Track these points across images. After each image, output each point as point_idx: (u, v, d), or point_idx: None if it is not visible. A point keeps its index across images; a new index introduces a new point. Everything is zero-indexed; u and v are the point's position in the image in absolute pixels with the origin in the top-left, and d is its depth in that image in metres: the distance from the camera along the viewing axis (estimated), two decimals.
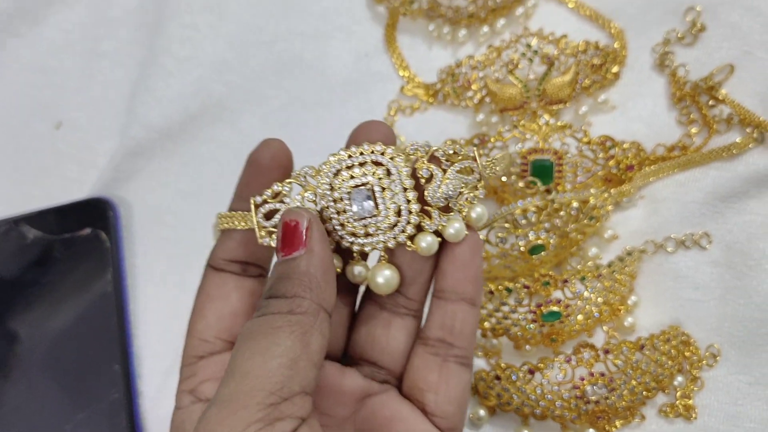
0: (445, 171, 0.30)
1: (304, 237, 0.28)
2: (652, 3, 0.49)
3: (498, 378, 0.40)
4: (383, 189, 0.30)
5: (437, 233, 0.31)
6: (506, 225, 0.41)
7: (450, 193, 0.30)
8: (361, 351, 0.33)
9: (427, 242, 0.30)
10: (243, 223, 0.31)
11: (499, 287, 0.40)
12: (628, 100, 0.48)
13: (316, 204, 0.30)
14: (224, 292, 0.32)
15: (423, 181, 0.30)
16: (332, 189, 0.30)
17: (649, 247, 0.44)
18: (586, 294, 0.40)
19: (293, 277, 0.28)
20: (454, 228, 0.30)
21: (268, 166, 0.31)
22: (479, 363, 0.43)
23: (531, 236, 0.42)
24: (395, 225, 0.30)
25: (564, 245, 0.43)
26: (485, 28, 0.50)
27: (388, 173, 0.30)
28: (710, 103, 0.46)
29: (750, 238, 0.43)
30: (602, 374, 0.39)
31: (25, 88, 0.55)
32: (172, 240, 0.50)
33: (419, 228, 0.30)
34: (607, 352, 0.40)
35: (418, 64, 0.51)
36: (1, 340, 0.46)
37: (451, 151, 0.30)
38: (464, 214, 0.31)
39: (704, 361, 0.42)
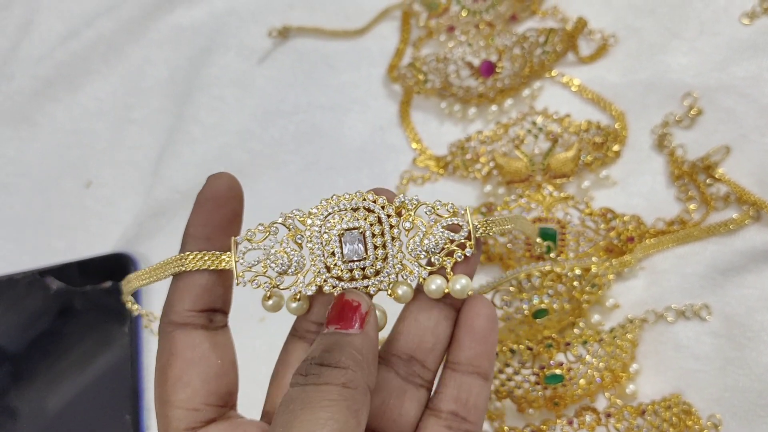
0: (430, 226, 0.30)
1: (362, 319, 0.28)
2: (651, 88, 0.52)
3: None
4: (373, 235, 0.30)
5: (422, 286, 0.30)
6: (511, 288, 0.43)
7: (431, 247, 0.30)
8: (370, 419, 0.31)
9: (403, 290, 0.30)
10: (217, 264, 0.29)
11: (503, 348, 0.42)
12: (629, 176, 0.50)
13: (301, 248, 0.30)
14: (202, 354, 0.29)
15: (406, 232, 0.30)
16: (321, 231, 0.30)
17: (650, 316, 0.45)
18: (588, 358, 0.41)
19: (347, 350, 0.27)
20: (436, 284, 0.30)
21: (227, 195, 0.30)
22: (483, 426, 0.44)
23: (535, 300, 0.43)
24: (380, 272, 0.30)
25: (568, 310, 0.44)
26: (494, 107, 0.53)
27: (379, 221, 0.30)
28: (708, 181, 0.48)
29: (749, 311, 0.44)
30: None
31: (58, 149, 0.58)
32: None
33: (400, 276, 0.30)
34: (608, 415, 0.40)
35: (430, 138, 0.54)
36: (24, 385, 0.48)
37: (439, 207, 0.30)
38: (448, 271, 0.30)
39: (706, 431, 0.42)
